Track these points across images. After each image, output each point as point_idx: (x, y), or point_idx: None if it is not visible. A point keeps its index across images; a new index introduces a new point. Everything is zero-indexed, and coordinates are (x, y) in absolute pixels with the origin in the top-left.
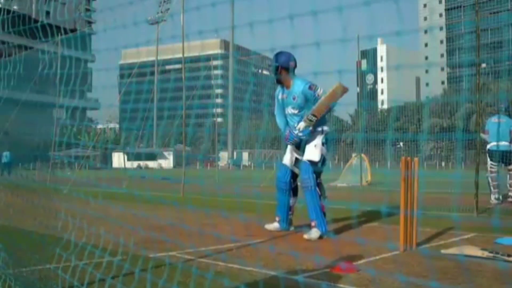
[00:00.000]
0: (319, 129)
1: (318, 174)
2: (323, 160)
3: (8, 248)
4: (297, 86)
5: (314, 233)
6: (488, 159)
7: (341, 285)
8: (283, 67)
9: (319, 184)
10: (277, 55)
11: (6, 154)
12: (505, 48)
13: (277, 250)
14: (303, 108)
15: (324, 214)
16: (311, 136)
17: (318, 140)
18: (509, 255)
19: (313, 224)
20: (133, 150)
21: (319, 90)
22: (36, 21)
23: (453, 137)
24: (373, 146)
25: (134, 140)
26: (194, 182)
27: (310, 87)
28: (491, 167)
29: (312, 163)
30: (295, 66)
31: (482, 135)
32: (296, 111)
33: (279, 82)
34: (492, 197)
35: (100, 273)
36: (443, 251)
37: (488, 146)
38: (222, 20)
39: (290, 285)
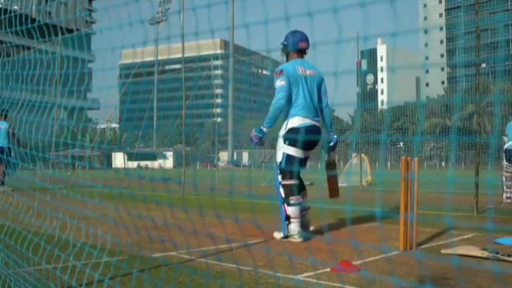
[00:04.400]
0: (282, 130)
1: (289, 174)
2: (287, 158)
3: (7, 248)
4: None
5: (279, 233)
6: (505, 160)
7: (341, 285)
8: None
9: (283, 186)
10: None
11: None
12: (505, 48)
13: (277, 250)
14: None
15: (288, 217)
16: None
17: (280, 141)
18: (509, 255)
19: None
20: (133, 151)
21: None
22: (33, 20)
23: (453, 137)
24: (373, 146)
25: (134, 140)
26: (194, 182)
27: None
28: (506, 168)
29: (277, 164)
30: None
31: (505, 138)
32: None
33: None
34: (504, 195)
35: (99, 274)
36: (443, 251)
37: (505, 146)
38: (226, 19)
39: (290, 285)
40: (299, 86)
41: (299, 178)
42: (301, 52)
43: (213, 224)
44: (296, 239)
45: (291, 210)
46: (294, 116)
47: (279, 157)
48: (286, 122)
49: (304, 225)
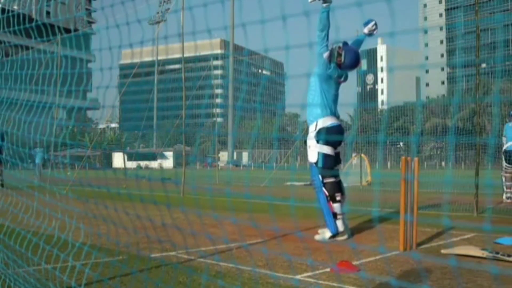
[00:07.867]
0: (312, 127)
1: (330, 172)
2: (324, 158)
3: (7, 248)
4: None
5: (323, 233)
6: (504, 161)
7: (341, 285)
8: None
9: (325, 184)
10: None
11: (39, 154)
12: (505, 48)
13: (276, 250)
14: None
15: (335, 214)
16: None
17: (312, 140)
18: (509, 255)
19: (324, 224)
20: (133, 151)
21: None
22: (31, 20)
23: (453, 137)
24: (373, 146)
25: (134, 140)
26: (193, 182)
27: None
28: (506, 168)
29: (313, 164)
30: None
31: (503, 139)
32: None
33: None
34: (504, 196)
35: (98, 274)
36: (443, 251)
37: (504, 147)
38: (224, 19)
39: (289, 285)
40: (331, 88)
41: (340, 182)
42: None
43: (213, 224)
44: (345, 236)
45: (337, 207)
46: (323, 117)
47: (313, 157)
48: (315, 123)
49: None
